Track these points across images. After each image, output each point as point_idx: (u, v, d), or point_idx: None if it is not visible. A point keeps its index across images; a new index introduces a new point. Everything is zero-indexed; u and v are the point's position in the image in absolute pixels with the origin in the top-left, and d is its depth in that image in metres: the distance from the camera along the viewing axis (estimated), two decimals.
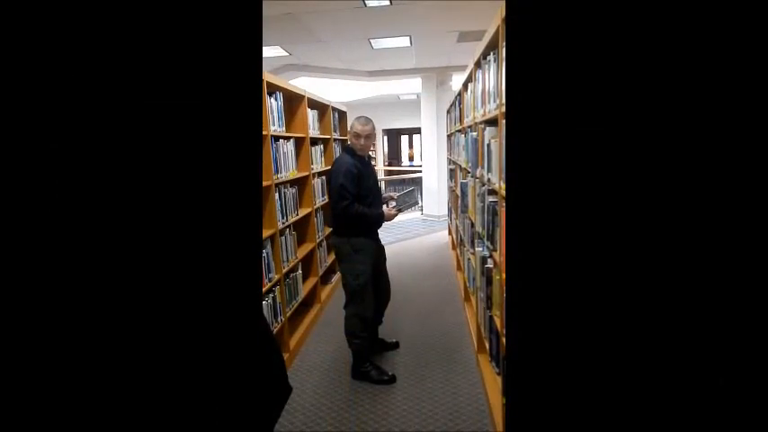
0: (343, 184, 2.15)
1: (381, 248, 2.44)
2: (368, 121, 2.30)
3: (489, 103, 1.73)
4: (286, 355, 2.52)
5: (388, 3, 3.53)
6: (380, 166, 12.71)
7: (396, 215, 2.37)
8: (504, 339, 1.58)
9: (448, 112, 4.69)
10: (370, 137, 2.31)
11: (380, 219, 2.30)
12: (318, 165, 3.43)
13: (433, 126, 6.72)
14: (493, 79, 1.63)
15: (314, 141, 3.35)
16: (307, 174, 3.11)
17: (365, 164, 2.32)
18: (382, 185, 9.29)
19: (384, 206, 2.38)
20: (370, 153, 2.46)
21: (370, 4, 3.56)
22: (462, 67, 6.32)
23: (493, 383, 2.05)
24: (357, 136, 2.27)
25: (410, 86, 8.22)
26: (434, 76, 6.61)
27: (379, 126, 11.47)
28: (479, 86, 1.99)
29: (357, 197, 2.18)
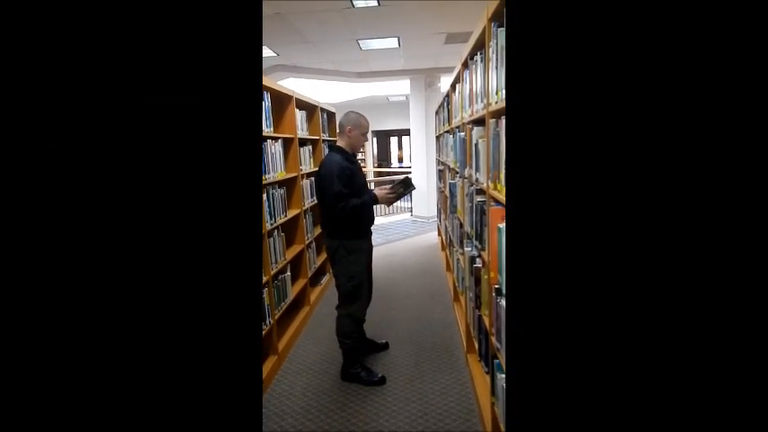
0: (341, 190, 2.09)
1: (372, 248, 2.43)
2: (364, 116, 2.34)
3: (477, 103, 1.74)
4: (275, 358, 2.50)
5: (375, 3, 3.54)
6: (370, 168, 12.70)
7: (392, 198, 2.24)
8: (493, 339, 1.59)
9: (436, 113, 4.71)
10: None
11: (374, 202, 2.22)
12: (307, 166, 3.41)
13: (421, 127, 6.73)
14: (480, 79, 1.64)
15: (302, 142, 3.33)
16: (295, 175, 3.09)
17: (354, 161, 2.30)
18: (371, 186, 9.26)
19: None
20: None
21: (358, 5, 3.56)
22: (450, 69, 6.37)
23: (482, 383, 2.06)
24: (366, 135, 2.30)
25: (399, 88, 8.24)
26: (423, 78, 6.63)
27: (369, 127, 11.45)
28: (467, 87, 2.00)
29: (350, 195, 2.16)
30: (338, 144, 2.29)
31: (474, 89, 1.79)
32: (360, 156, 11.90)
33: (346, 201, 2.11)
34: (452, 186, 2.61)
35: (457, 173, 2.59)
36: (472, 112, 1.83)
